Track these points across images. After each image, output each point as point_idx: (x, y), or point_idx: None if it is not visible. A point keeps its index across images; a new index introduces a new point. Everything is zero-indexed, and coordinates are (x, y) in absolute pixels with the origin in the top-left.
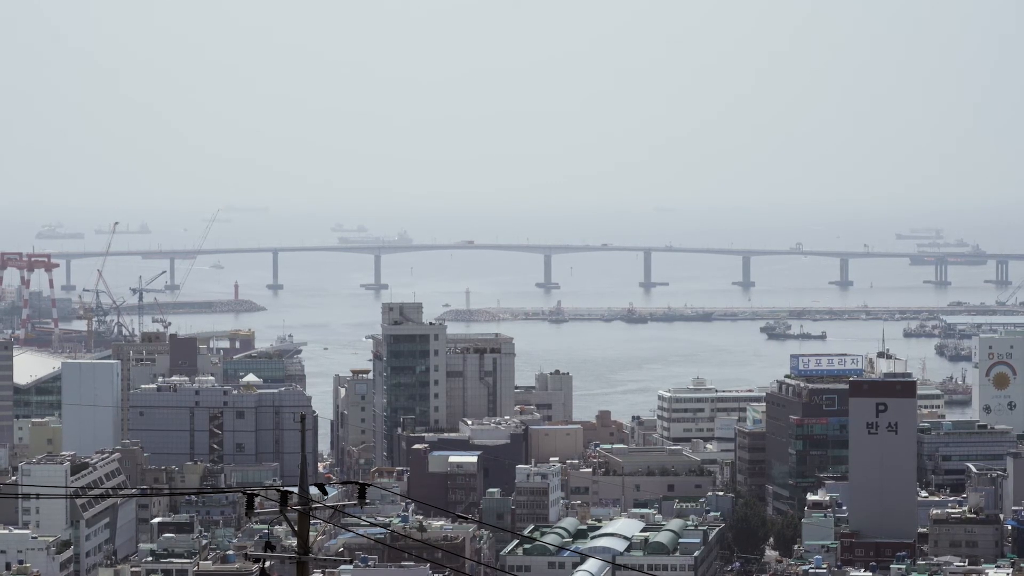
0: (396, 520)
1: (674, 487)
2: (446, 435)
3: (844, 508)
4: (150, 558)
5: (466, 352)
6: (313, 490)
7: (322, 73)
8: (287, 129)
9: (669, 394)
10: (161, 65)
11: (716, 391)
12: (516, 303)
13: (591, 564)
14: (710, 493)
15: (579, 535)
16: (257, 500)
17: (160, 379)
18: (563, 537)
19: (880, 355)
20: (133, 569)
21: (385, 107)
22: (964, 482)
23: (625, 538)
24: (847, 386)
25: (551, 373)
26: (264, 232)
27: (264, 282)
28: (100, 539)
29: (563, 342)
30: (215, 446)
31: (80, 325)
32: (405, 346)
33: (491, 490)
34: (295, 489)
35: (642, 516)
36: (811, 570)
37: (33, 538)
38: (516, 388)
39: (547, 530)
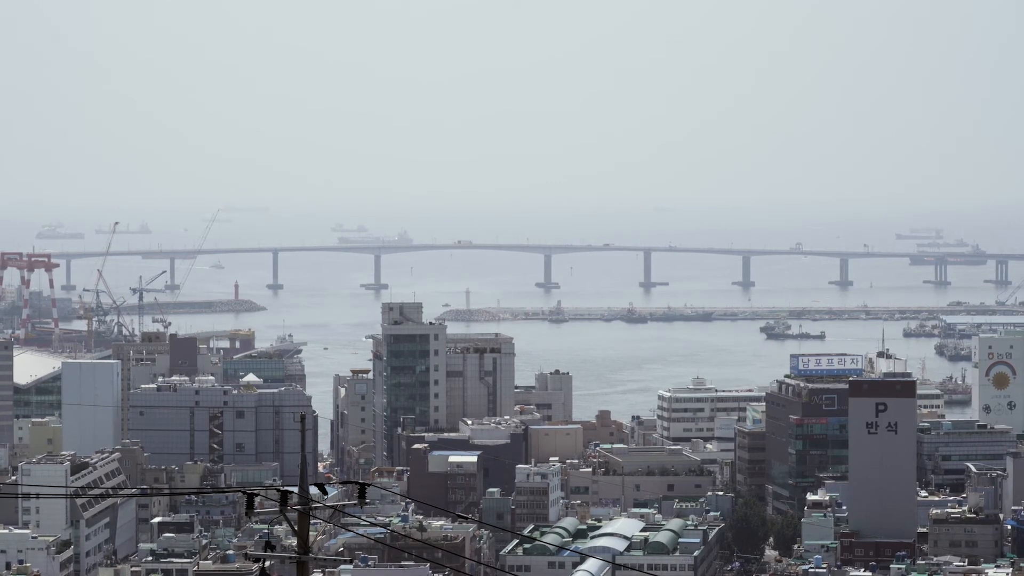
0: (396, 520)
1: (674, 487)
2: (446, 435)
3: (844, 508)
4: (150, 558)
5: (466, 352)
6: (313, 490)
7: (322, 73)
8: (287, 129)
9: (669, 394)
10: (161, 65)
11: (716, 391)
12: (516, 303)
13: (591, 564)
14: (710, 493)
15: (579, 535)
16: (257, 500)
17: (160, 379)
18: (563, 537)
19: (880, 355)
20: (133, 569)
21: (385, 107)
22: (964, 482)
23: (625, 538)
24: (847, 386)
25: (551, 373)
26: (264, 232)
27: (264, 282)
28: (100, 539)
29: (563, 342)
30: (215, 446)
31: (80, 325)
32: (405, 346)
33: (491, 490)
34: (295, 489)
35: (642, 516)
36: (811, 570)
37: (33, 538)
38: (516, 388)
39: (547, 530)
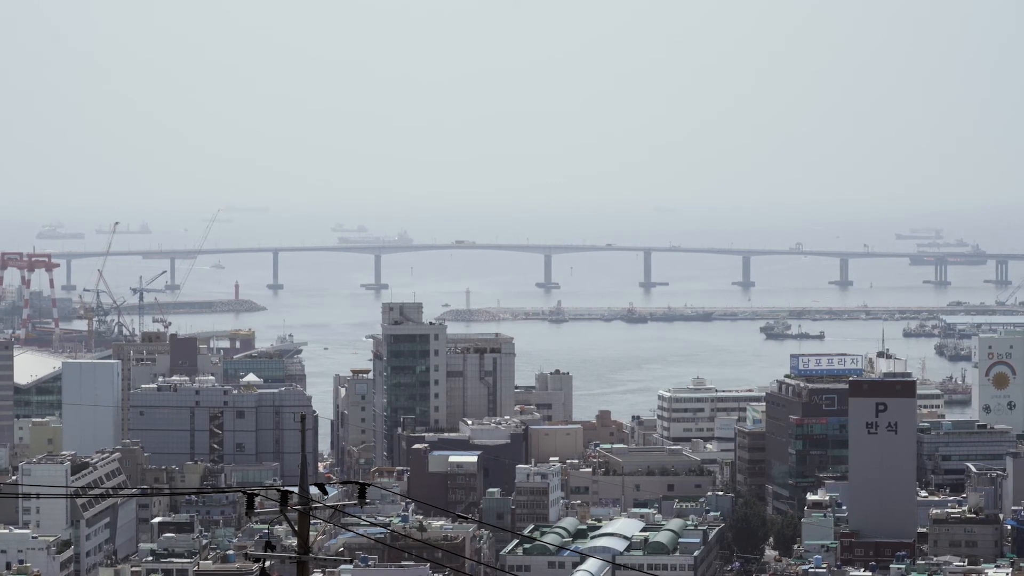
0: (396, 520)
1: (674, 487)
2: (446, 435)
3: (844, 508)
4: (150, 558)
5: (466, 352)
6: (313, 490)
7: (322, 73)
8: (287, 129)
9: (669, 394)
10: (161, 65)
11: (716, 391)
12: (516, 303)
13: (591, 564)
14: (710, 493)
15: (579, 535)
16: (257, 500)
17: (160, 379)
18: (563, 537)
19: (880, 355)
20: (133, 569)
21: (385, 107)
22: (964, 482)
23: (625, 538)
24: (847, 386)
25: (551, 373)
26: (264, 232)
27: (264, 282)
28: (100, 539)
29: (563, 342)
30: (215, 446)
31: (81, 325)
32: (405, 346)
33: (491, 490)
34: (295, 489)
35: (642, 516)
36: (811, 570)
37: (33, 538)
38: (516, 388)
39: (547, 530)
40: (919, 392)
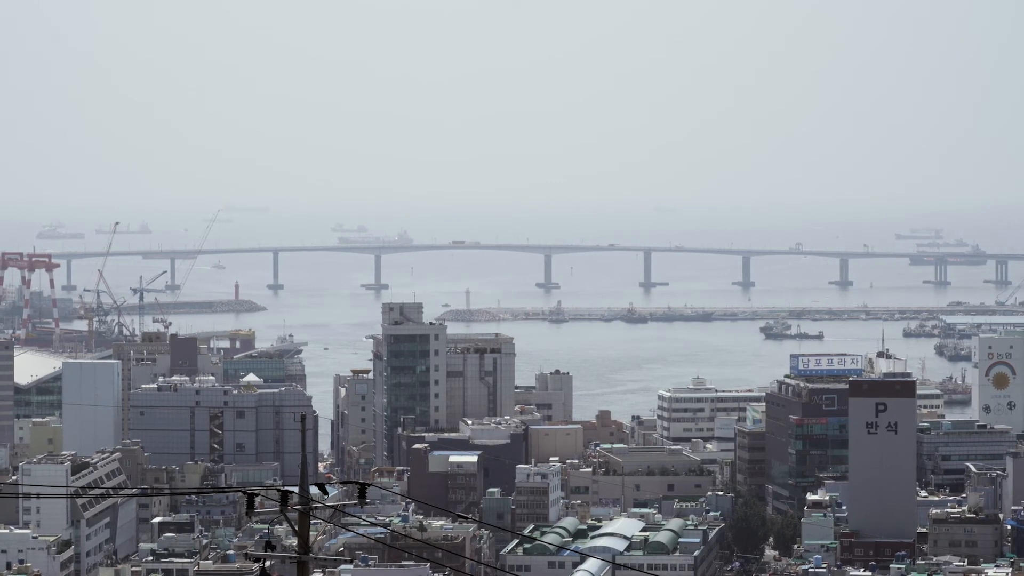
0: (396, 520)
1: (674, 487)
2: (446, 435)
3: (844, 508)
4: (150, 558)
5: (466, 352)
6: (313, 490)
7: (322, 73)
8: (287, 129)
9: (669, 394)
10: (161, 65)
11: (716, 391)
12: (516, 303)
13: (591, 564)
14: (710, 493)
15: (579, 535)
16: (257, 500)
17: (161, 379)
18: (563, 537)
19: (880, 355)
20: (133, 569)
21: (385, 107)
22: (964, 482)
23: (625, 538)
24: (847, 386)
25: (551, 373)
26: (264, 232)
27: (264, 282)
28: (100, 539)
29: (563, 342)
30: (215, 446)
31: (81, 325)
32: (405, 346)
33: (491, 490)
34: (295, 489)
35: (642, 516)
36: (811, 570)
37: (34, 538)
38: (516, 388)
39: (547, 530)
40: (919, 392)
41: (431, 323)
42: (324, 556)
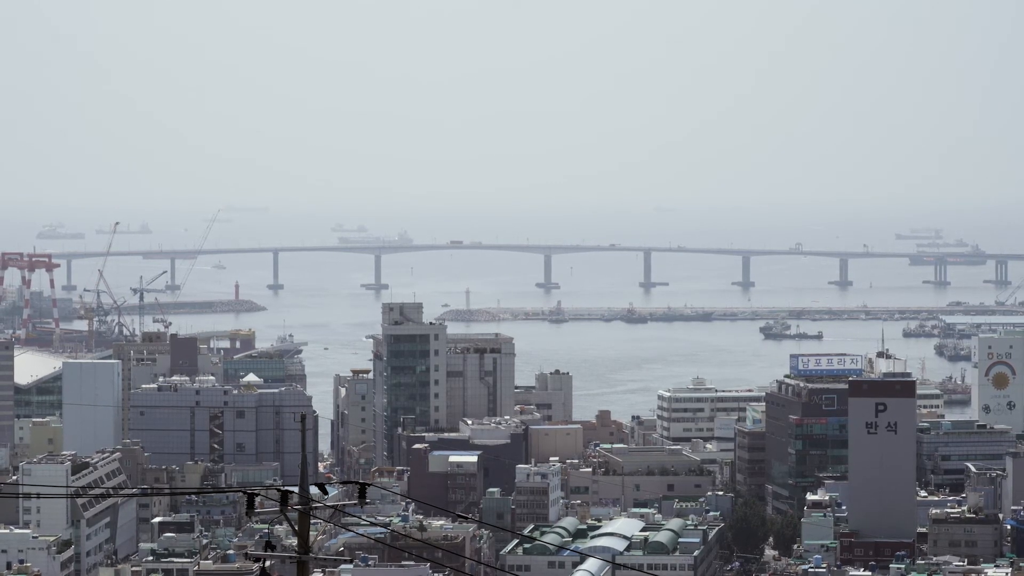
0: (396, 520)
1: (674, 487)
2: (446, 435)
3: (843, 508)
4: (150, 558)
5: (466, 352)
6: (313, 490)
7: (322, 73)
8: (287, 129)
9: (669, 394)
10: (161, 65)
11: (716, 391)
12: (516, 303)
13: (591, 564)
14: (710, 493)
15: (579, 535)
16: (257, 500)
17: (161, 379)
18: (563, 537)
19: (879, 355)
20: (133, 569)
21: (385, 107)
22: (963, 482)
23: (625, 538)
24: (846, 386)
25: (551, 373)
26: (264, 232)
27: (264, 282)
28: (101, 539)
29: (563, 342)
30: (215, 446)
31: (81, 325)
32: (405, 346)
33: (491, 490)
34: (295, 489)
35: (642, 516)
36: (810, 570)
37: (34, 537)
38: (516, 388)
39: (547, 530)
40: (919, 392)
41: (431, 323)
42: (324, 556)
